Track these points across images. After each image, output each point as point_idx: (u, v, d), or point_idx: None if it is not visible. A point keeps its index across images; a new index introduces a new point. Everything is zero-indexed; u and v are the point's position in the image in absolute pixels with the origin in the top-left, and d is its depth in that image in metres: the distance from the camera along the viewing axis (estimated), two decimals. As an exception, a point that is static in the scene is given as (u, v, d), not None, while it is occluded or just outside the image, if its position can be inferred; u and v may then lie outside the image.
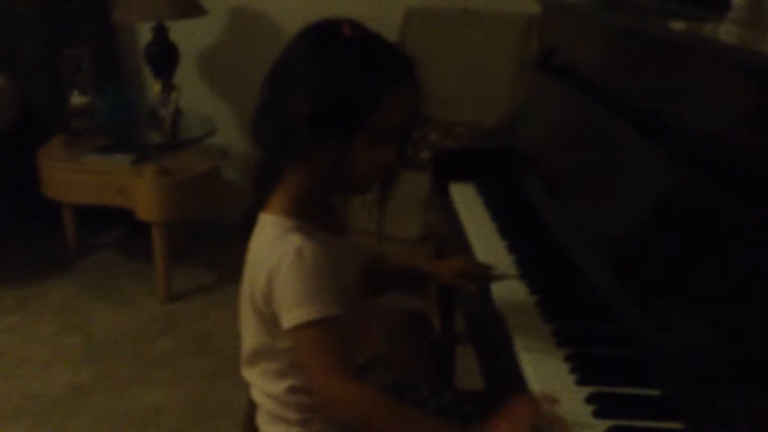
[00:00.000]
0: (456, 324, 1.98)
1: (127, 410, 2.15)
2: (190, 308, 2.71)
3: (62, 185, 2.80)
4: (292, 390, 1.08)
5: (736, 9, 1.50)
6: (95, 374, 2.31)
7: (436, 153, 1.90)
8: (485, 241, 1.49)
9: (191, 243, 3.15)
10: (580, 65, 1.63)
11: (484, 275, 1.31)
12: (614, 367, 1.04)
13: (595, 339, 1.11)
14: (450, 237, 1.64)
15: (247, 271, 1.07)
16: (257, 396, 1.14)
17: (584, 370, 1.03)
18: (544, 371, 1.04)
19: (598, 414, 0.94)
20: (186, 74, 3.01)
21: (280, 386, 1.09)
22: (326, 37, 1.01)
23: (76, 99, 2.97)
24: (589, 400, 0.97)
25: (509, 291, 1.28)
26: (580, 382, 1.01)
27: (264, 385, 1.11)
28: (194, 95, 3.06)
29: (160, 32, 2.85)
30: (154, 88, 2.91)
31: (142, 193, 2.63)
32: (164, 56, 2.87)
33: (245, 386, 1.18)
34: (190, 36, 3.00)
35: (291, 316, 0.99)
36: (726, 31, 1.46)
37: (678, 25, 1.49)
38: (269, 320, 1.04)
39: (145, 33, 3.01)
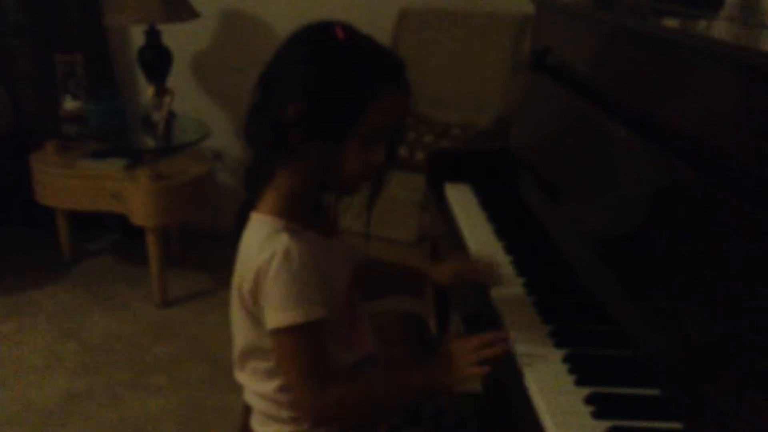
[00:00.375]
0: (452, 325, 1.98)
1: (124, 416, 2.13)
2: (185, 313, 2.70)
3: (56, 191, 2.79)
4: (282, 388, 1.10)
5: (729, 6, 1.50)
6: (91, 381, 2.30)
7: (430, 154, 1.89)
8: (481, 241, 1.48)
9: (186, 248, 3.14)
10: (573, 65, 1.63)
11: (480, 276, 1.31)
12: (613, 368, 1.04)
13: (593, 339, 1.11)
14: (446, 238, 1.63)
15: (236, 269, 1.08)
16: (250, 397, 1.16)
17: (583, 371, 1.02)
18: (542, 372, 1.03)
19: (597, 414, 0.94)
20: (179, 78, 3.01)
21: (270, 385, 1.10)
22: (319, 39, 1.02)
23: (69, 104, 2.96)
24: (588, 400, 0.96)
25: (506, 291, 1.27)
26: (579, 383, 1.00)
27: (255, 386, 1.13)
28: (187, 99, 3.05)
29: (153, 36, 2.84)
30: (147, 92, 2.90)
31: (136, 197, 2.62)
32: (157, 60, 2.86)
33: (241, 391, 1.18)
34: (182, 40, 2.99)
35: (274, 317, 1.01)
36: (719, 29, 1.46)
37: (671, 23, 1.49)
38: (256, 317, 1.06)
39: (137, 37, 3.00)
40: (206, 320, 2.64)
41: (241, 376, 1.15)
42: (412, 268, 1.39)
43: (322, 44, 1.01)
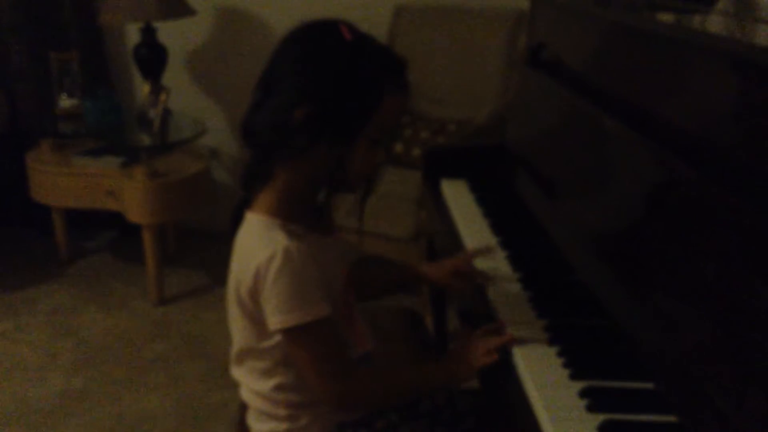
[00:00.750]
0: (449, 322, 1.98)
1: (121, 414, 2.13)
2: (182, 311, 2.69)
3: (52, 189, 2.78)
4: (279, 388, 1.10)
5: (723, 1, 1.51)
6: (88, 379, 2.30)
7: (427, 150, 1.89)
8: (477, 237, 1.48)
9: (182, 245, 3.14)
10: (568, 60, 1.63)
11: (477, 275, 1.30)
12: (607, 362, 1.04)
13: (587, 334, 1.11)
14: (442, 234, 1.64)
15: (232, 269, 1.08)
16: (246, 394, 1.16)
17: (577, 365, 1.03)
18: (538, 366, 1.04)
19: (591, 408, 0.94)
20: (175, 75, 3.00)
21: (267, 384, 1.10)
22: (325, 39, 1.01)
23: (65, 102, 2.95)
24: (583, 394, 0.97)
25: (502, 287, 1.27)
26: (574, 377, 1.01)
27: (252, 384, 1.13)
28: (183, 96, 3.04)
29: (148, 33, 2.83)
30: (143, 89, 2.90)
31: (132, 195, 2.61)
32: (153, 58, 2.86)
33: (237, 388, 1.18)
34: (178, 37, 2.99)
35: (282, 319, 1.00)
36: (714, 23, 1.46)
37: (666, 18, 1.49)
38: (254, 317, 1.05)
39: (133, 34, 3.00)
40: (203, 318, 2.64)
41: (238, 374, 1.15)
42: (408, 267, 1.39)
43: (330, 45, 1.00)
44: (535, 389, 0.99)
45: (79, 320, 2.64)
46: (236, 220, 1.09)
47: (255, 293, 1.02)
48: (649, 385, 0.99)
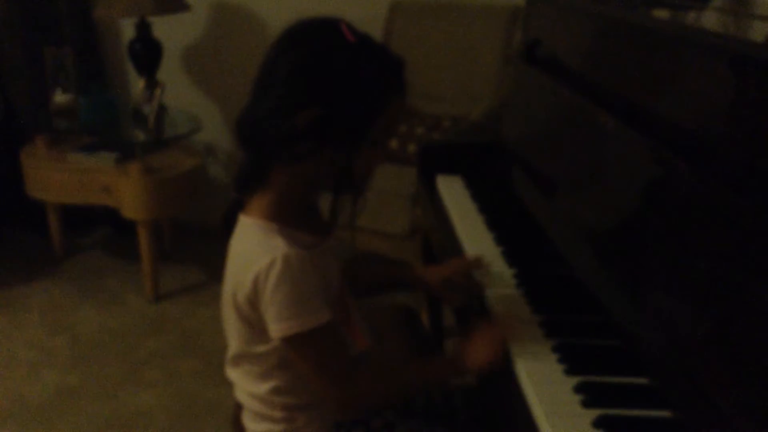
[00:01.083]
0: (444, 318, 1.98)
1: (116, 411, 2.13)
2: (177, 307, 2.69)
3: (46, 185, 2.78)
4: (275, 391, 1.08)
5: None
6: (83, 375, 2.30)
7: (422, 147, 1.89)
8: (473, 233, 1.48)
9: (177, 242, 3.13)
10: (564, 56, 1.63)
11: (473, 287, 1.28)
12: (602, 357, 1.04)
13: (582, 329, 1.12)
14: (437, 230, 1.64)
15: (228, 275, 1.06)
16: (242, 396, 1.14)
17: (572, 360, 1.03)
18: (533, 362, 1.04)
19: (586, 403, 0.94)
20: (170, 71, 3.00)
21: (263, 387, 1.09)
22: (328, 41, 0.98)
23: (59, 98, 2.94)
24: (578, 389, 0.97)
25: (497, 282, 1.27)
26: (569, 372, 1.01)
27: (247, 386, 1.11)
28: (178, 92, 3.04)
29: (143, 29, 2.82)
30: (138, 85, 2.89)
31: (127, 191, 2.61)
32: (147, 53, 2.85)
33: (233, 386, 1.18)
34: (173, 32, 2.98)
35: (284, 326, 0.99)
36: (709, 19, 1.46)
37: (661, 14, 1.49)
38: (251, 322, 1.04)
39: (127, 30, 2.99)
40: (198, 314, 2.64)
41: (234, 375, 1.13)
42: (406, 268, 1.38)
43: (333, 47, 0.98)
44: (530, 384, 0.99)
45: (74, 317, 2.63)
46: (229, 223, 1.07)
47: (254, 300, 1.00)
48: (644, 381, 0.99)
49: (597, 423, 0.91)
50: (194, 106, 3.03)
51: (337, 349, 1.04)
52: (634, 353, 1.04)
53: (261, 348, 1.05)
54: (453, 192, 1.70)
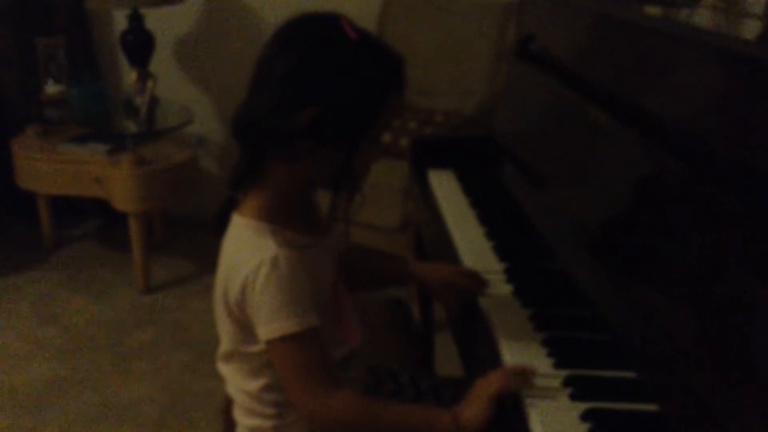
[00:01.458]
0: (435, 311, 1.99)
1: (106, 402, 2.13)
2: (168, 299, 2.69)
3: (37, 175, 2.77)
4: (266, 388, 1.07)
5: (711, -6, 1.51)
6: (73, 366, 2.29)
7: (414, 141, 1.89)
8: (464, 227, 1.49)
9: (169, 233, 3.13)
10: (558, 52, 1.63)
11: (470, 287, 1.25)
12: (591, 351, 1.05)
13: (571, 324, 1.12)
14: (429, 224, 1.64)
15: (220, 273, 1.05)
16: (233, 391, 1.13)
17: (561, 354, 1.03)
18: (522, 355, 1.04)
19: (575, 396, 0.95)
20: (162, 62, 2.98)
21: (254, 384, 1.08)
22: (329, 38, 0.97)
23: (51, 88, 2.93)
24: (567, 383, 0.97)
25: (487, 277, 1.28)
26: (558, 366, 1.01)
27: (239, 383, 1.10)
28: (170, 84, 3.03)
29: (136, 20, 2.81)
30: (130, 76, 2.88)
31: (118, 183, 2.60)
32: (140, 44, 2.84)
33: (223, 379, 1.17)
34: (166, 23, 2.97)
35: (268, 329, 0.98)
36: (702, 16, 1.47)
37: (654, 11, 1.50)
38: (242, 324, 1.03)
39: (120, 21, 2.97)
40: (189, 306, 2.64)
41: (225, 371, 1.12)
42: (400, 263, 1.36)
43: (334, 44, 0.96)
44: (519, 378, 0.99)
45: (65, 308, 2.63)
46: (221, 221, 1.05)
47: (242, 303, 1.00)
48: (632, 375, 1.00)
49: (585, 416, 0.91)
50: (186, 98, 3.02)
51: (319, 357, 1.00)
52: (622, 347, 1.05)
53: (252, 348, 1.04)
54: (445, 186, 1.70)
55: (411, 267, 1.32)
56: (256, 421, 1.11)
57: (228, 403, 1.21)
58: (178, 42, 3.13)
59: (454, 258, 1.38)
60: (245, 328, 1.03)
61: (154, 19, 2.87)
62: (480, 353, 1.12)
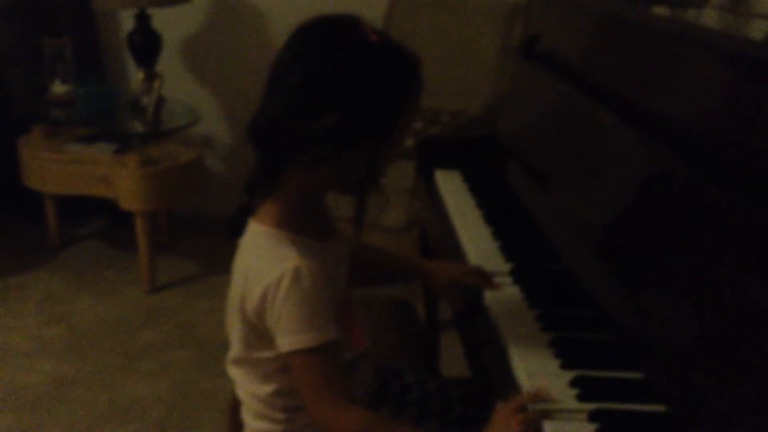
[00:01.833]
0: (440, 311, 1.99)
1: (112, 401, 2.13)
2: (173, 298, 2.69)
3: (43, 175, 2.77)
4: (277, 393, 1.07)
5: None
6: (79, 366, 2.30)
7: (420, 141, 1.89)
8: (470, 227, 1.49)
9: (174, 233, 3.13)
10: (564, 52, 1.63)
11: (479, 285, 1.25)
12: (598, 352, 1.05)
13: (578, 324, 1.12)
14: (435, 224, 1.64)
15: (236, 280, 1.04)
16: (242, 395, 1.13)
17: (568, 355, 1.03)
18: (529, 356, 1.04)
19: (582, 397, 0.95)
20: (169, 63, 2.99)
21: (265, 389, 1.07)
22: (350, 41, 0.96)
23: (58, 88, 2.93)
24: (573, 383, 0.97)
25: (494, 277, 1.27)
26: (564, 367, 1.01)
27: (249, 387, 1.10)
28: (177, 84, 3.03)
29: (143, 20, 2.82)
30: (137, 76, 2.89)
31: (124, 182, 2.61)
32: (146, 44, 2.84)
33: (229, 376, 1.17)
34: (172, 24, 2.97)
35: (288, 341, 0.98)
36: (709, 17, 1.47)
37: (661, 12, 1.50)
38: (258, 332, 1.02)
39: (127, 21, 2.98)
40: (195, 305, 2.64)
41: (235, 374, 1.11)
42: (412, 260, 1.35)
43: (356, 48, 0.95)
44: (526, 378, 0.99)
45: (70, 307, 2.63)
46: (236, 228, 1.05)
47: (261, 312, 0.99)
48: (639, 375, 0.99)
49: (593, 416, 0.91)
50: (193, 98, 3.02)
51: (336, 370, 1.00)
52: (629, 348, 1.04)
53: (264, 353, 1.04)
54: (451, 186, 1.70)
55: (419, 263, 1.31)
56: (265, 425, 1.10)
57: (235, 403, 1.21)
58: (184, 42, 3.13)
59: (461, 258, 1.38)
60: (261, 336, 1.02)
61: (161, 19, 2.88)
62: (486, 353, 1.12)
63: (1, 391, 2.18)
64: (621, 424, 0.91)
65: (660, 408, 0.93)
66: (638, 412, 0.93)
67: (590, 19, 1.54)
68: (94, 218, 3.27)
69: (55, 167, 2.73)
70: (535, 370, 1.01)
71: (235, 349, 1.08)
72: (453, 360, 1.62)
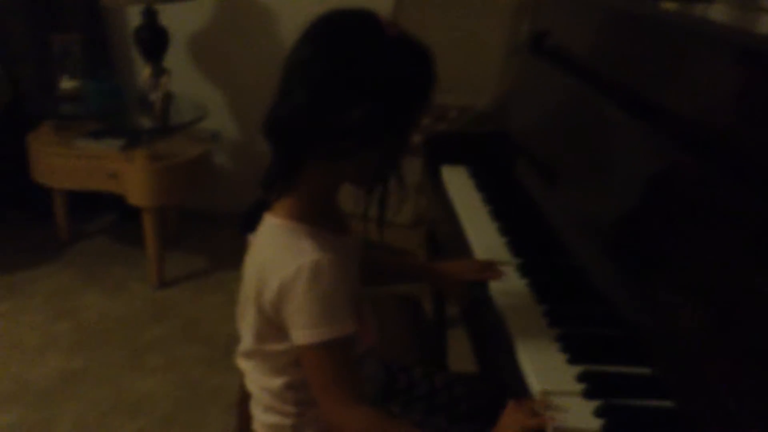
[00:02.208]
0: (447, 307, 1.99)
1: (119, 396, 2.14)
2: (181, 294, 2.70)
3: (52, 171, 2.78)
4: (288, 386, 1.07)
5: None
6: (87, 361, 2.31)
7: (427, 137, 1.89)
8: (477, 223, 1.49)
9: (182, 228, 3.14)
10: (572, 47, 1.63)
11: (481, 280, 1.27)
12: (605, 346, 1.05)
13: (586, 319, 1.12)
14: (442, 221, 1.64)
15: (251, 274, 1.04)
16: (253, 388, 1.13)
17: (575, 350, 1.03)
18: (536, 351, 1.04)
19: (589, 392, 0.95)
20: (176, 58, 2.99)
21: (276, 382, 1.07)
22: (370, 36, 0.96)
23: (66, 84, 2.94)
24: (581, 378, 0.97)
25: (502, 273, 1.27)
26: (572, 361, 1.01)
27: (260, 380, 1.10)
28: (185, 79, 3.04)
29: (150, 16, 2.82)
30: (144, 72, 2.89)
31: (132, 178, 2.61)
32: (154, 40, 2.85)
33: (237, 372, 1.17)
34: (180, 19, 2.98)
35: (303, 333, 0.98)
36: (718, 12, 1.46)
37: (669, 6, 1.49)
38: (273, 324, 1.02)
39: (134, 17, 2.99)
40: (203, 301, 2.65)
41: (246, 367, 1.12)
42: (422, 263, 1.35)
43: (376, 42, 0.95)
44: (533, 373, 0.99)
45: (79, 302, 2.64)
46: (251, 222, 1.05)
47: (278, 305, 0.99)
48: (647, 370, 0.99)
49: (599, 411, 0.91)
50: (200, 94, 3.03)
51: (348, 367, 1.01)
52: (636, 343, 1.04)
53: (276, 346, 1.04)
54: (458, 182, 1.70)
55: (432, 267, 1.31)
56: (275, 418, 1.10)
57: (244, 397, 1.21)
58: (192, 38, 3.14)
59: (468, 254, 1.38)
60: (275, 328, 1.02)
61: (168, 15, 2.88)
62: (493, 348, 1.12)
63: (10, 385, 2.19)
64: (628, 419, 0.91)
65: (667, 404, 0.93)
66: (645, 408, 0.93)
67: (598, 14, 1.53)
68: (103, 214, 3.28)
69: (64, 162, 2.74)
70: (542, 364, 1.01)
71: (247, 341, 1.08)
72: (460, 356, 1.63)
